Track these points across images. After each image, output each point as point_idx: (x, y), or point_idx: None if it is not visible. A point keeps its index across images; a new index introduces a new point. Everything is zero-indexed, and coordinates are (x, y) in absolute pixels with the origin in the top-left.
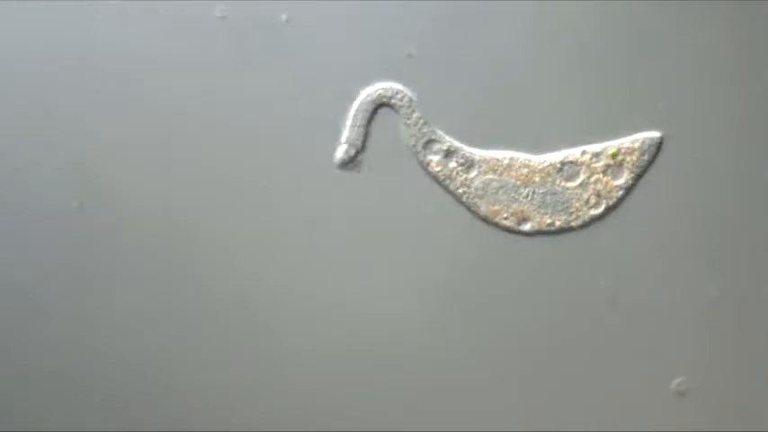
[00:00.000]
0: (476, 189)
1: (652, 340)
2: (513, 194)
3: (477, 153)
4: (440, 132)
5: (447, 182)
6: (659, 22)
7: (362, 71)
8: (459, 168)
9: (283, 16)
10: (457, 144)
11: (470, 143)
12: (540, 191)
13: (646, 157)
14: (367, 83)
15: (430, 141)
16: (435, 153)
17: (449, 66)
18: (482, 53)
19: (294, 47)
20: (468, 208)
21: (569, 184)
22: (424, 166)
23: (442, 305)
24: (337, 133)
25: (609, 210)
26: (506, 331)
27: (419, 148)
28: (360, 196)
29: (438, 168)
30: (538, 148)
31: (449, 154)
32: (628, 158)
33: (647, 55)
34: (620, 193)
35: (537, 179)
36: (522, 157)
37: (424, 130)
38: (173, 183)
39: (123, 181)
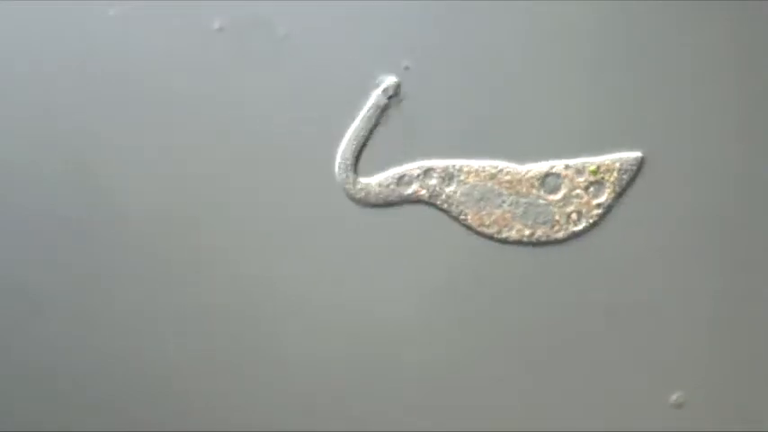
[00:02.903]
0: (460, 196)
1: (647, 348)
2: (497, 202)
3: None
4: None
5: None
6: (659, 22)
7: (361, 78)
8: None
9: (281, 30)
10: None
11: (465, 148)
12: (524, 201)
13: (626, 176)
14: (365, 89)
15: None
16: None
17: (444, 71)
18: (481, 54)
19: (293, 53)
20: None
21: (551, 197)
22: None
23: (436, 312)
24: (335, 138)
25: (589, 227)
26: (502, 339)
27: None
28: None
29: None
30: (538, 150)
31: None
32: (607, 176)
33: (647, 55)
34: (600, 211)
35: (523, 189)
36: (507, 166)
37: None
38: (173, 183)
39: (123, 181)
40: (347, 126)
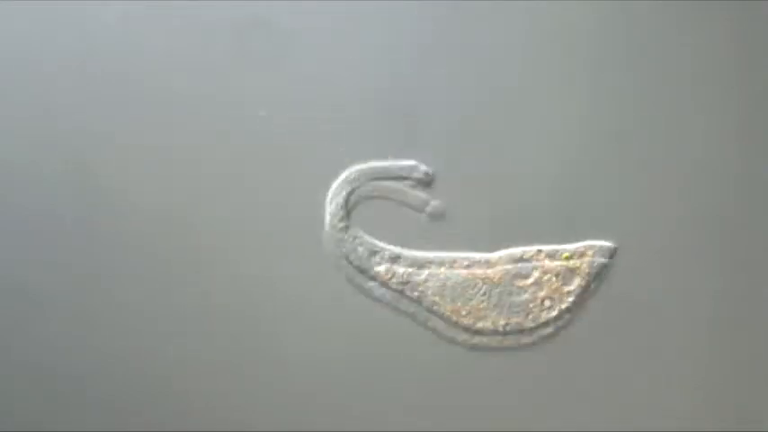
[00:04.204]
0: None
1: (647, 348)
2: (470, 291)
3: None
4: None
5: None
6: (659, 22)
7: (362, 78)
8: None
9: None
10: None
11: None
12: (497, 290)
13: (597, 264)
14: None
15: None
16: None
17: (444, 71)
18: (480, 54)
19: (293, 53)
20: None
21: (522, 283)
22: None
23: None
24: (337, 138)
25: (562, 313)
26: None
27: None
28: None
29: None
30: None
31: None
32: (578, 264)
33: (647, 55)
34: (572, 299)
35: (495, 278)
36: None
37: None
38: (174, 183)
39: (123, 181)
40: (348, 126)
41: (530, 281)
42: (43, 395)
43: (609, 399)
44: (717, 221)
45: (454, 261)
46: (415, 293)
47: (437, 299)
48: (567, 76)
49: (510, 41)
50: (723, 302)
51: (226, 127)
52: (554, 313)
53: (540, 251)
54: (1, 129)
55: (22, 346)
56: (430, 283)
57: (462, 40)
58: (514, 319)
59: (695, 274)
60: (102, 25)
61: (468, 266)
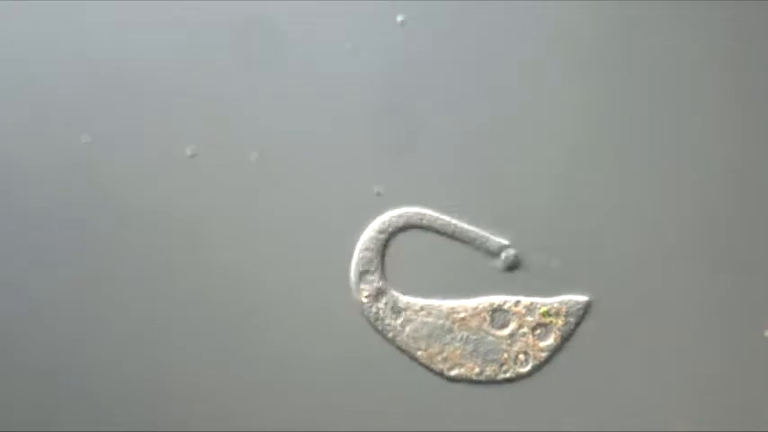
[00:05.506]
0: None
1: (648, 348)
2: (447, 337)
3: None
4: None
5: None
6: (659, 22)
7: (361, 78)
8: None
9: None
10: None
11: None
12: (474, 337)
13: (572, 320)
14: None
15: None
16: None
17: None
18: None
19: (293, 53)
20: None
21: (499, 333)
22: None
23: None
24: (336, 138)
25: (535, 369)
26: None
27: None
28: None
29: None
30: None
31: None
32: (554, 320)
33: (647, 55)
34: (546, 354)
35: (472, 324)
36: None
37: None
38: (174, 183)
39: (124, 181)
40: (348, 126)
41: (506, 332)
42: (43, 395)
43: (609, 398)
44: (717, 221)
45: (431, 307)
46: (389, 334)
47: (412, 343)
48: (566, 76)
49: (510, 41)
50: (723, 302)
51: (225, 127)
52: (528, 368)
53: (518, 302)
54: (1, 129)
55: (22, 346)
56: (405, 329)
57: (462, 40)
58: (489, 368)
59: (695, 274)
60: (102, 25)
61: (446, 315)
